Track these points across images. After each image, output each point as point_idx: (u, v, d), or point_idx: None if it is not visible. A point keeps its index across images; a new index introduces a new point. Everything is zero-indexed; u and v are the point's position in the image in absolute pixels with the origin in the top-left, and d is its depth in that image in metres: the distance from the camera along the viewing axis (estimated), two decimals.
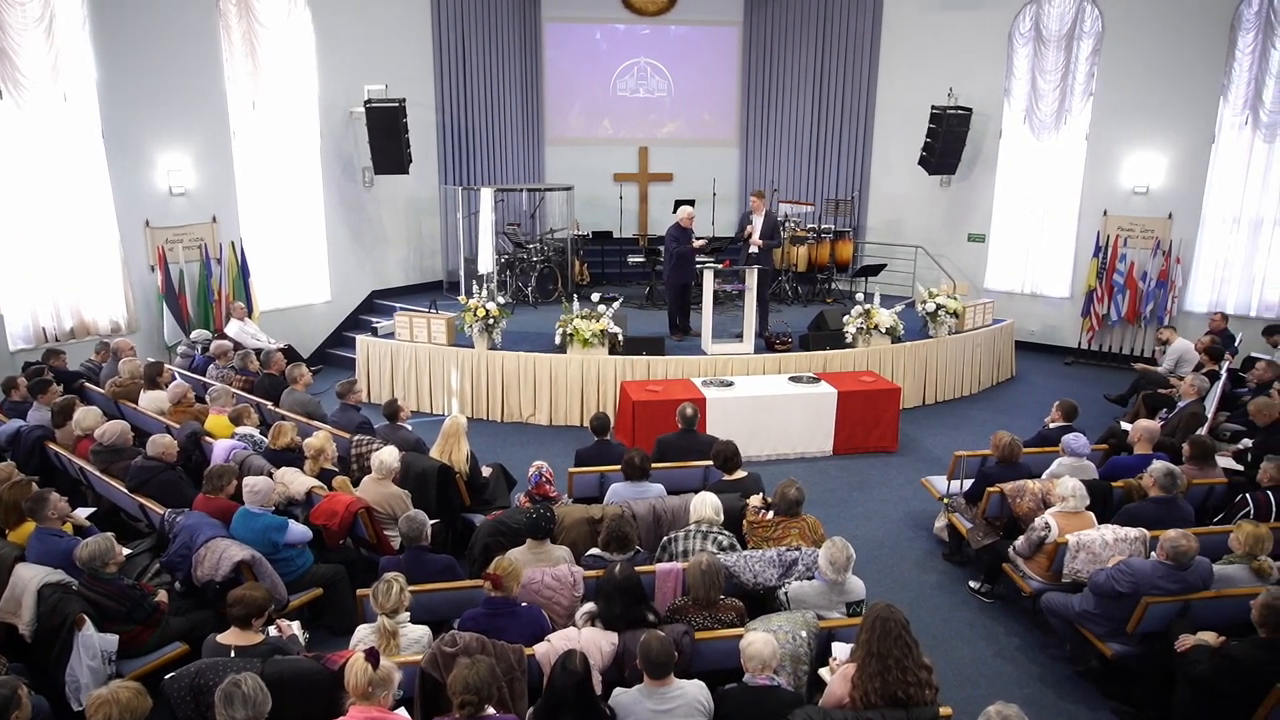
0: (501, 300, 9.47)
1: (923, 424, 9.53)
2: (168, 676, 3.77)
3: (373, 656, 3.39)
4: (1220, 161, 11.03)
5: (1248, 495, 5.63)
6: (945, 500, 6.72)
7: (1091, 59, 11.57)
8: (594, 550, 4.92)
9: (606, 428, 6.53)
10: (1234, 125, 10.87)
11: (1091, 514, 5.45)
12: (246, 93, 10.46)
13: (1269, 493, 5.56)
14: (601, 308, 9.25)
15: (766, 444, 8.47)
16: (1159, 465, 5.57)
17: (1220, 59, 10.74)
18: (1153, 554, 4.87)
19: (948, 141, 12.15)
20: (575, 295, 10.09)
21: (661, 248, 11.93)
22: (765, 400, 8.44)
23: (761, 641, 3.71)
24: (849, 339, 9.66)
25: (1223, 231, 11.21)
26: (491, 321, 9.24)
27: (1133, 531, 5.18)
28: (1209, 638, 4.34)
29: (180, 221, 10.01)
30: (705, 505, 5.13)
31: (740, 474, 5.94)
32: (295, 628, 4.45)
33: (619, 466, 5.92)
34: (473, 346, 9.44)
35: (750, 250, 10.00)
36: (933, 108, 12.07)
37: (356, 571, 5.60)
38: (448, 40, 12.50)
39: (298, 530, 5.32)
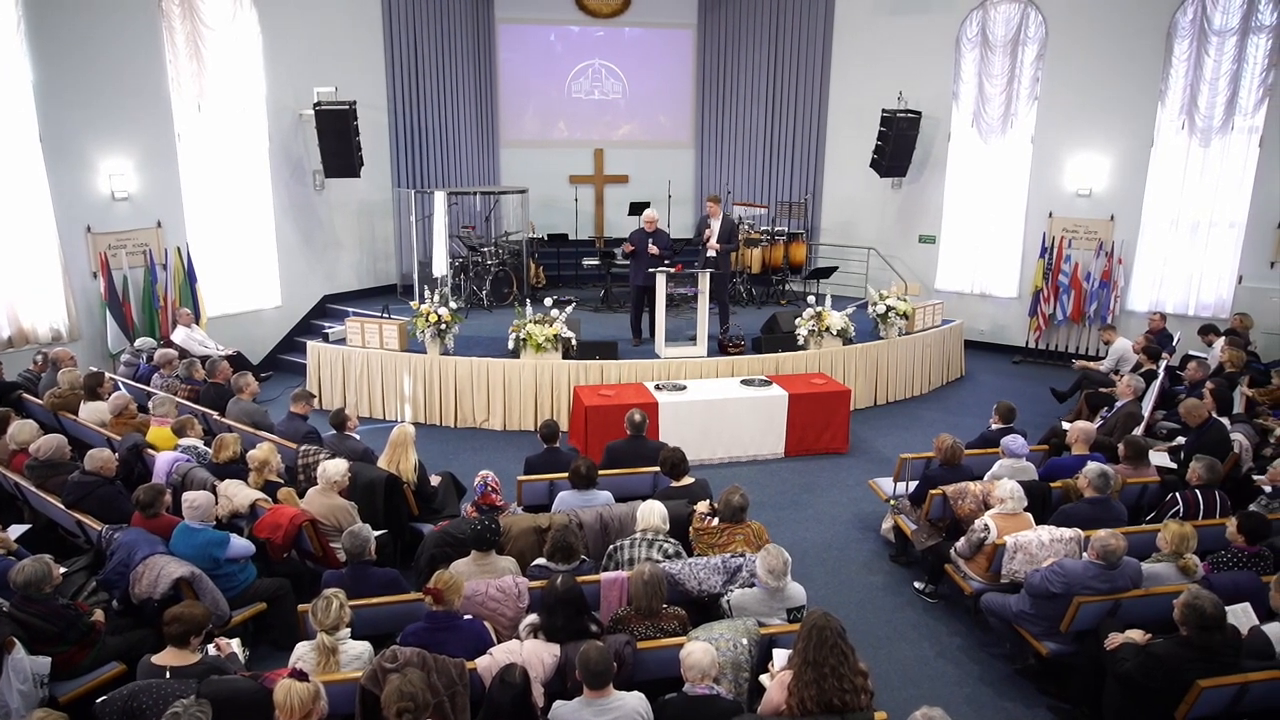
0: (455, 304, 9.42)
1: (874, 425, 9.67)
2: (99, 700, 3.70)
3: (302, 676, 3.37)
4: (1159, 165, 11.34)
5: (1178, 494, 5.81)
6: (891, 502, 6.83)
7: (1036, 64, 11.82)
8: (539, 560, 4.93)
9: (555, 435, 6.53)
10: (1171, 129, 11.18)
11: (1029, 515, 5.58)
12: (191, 95, 10.27)
13: (1197, 492, 5.75)
14: (555, 312, 9.25)
15: (719, 447, 8.54)
16: (1093, 467, 5.72)
17: (1158, 65, 11.04)
18: (1084, 554, 5.00)
19: (898, 144, 12.34)
20: (530, 298, 10.08)
21: (617, 250, 11.98)
22: (717, 403, 8.51)
23: (700, 651, 3.75)
24: (801, 341, 9.76)
25: (1162, 233, 11.52)
26: (443, 327, 9.18)
27: (1068, 532, 5.32)
28: (1136, 635, 4.48)
29: (123, 227, 9.79)
30: (652, 514, 5.15)
31: (688, 480, 5.99)
32: (235, 645, 4.40)
33: (568, 474, 5.93)
34: (425, 352, 9.38)
35: (708, 254, 10.04)
36: (883, 111, 12.24)
37: (302, 585, 5.53)
38: (399, 42, 12.38)
39: (239, 545, 5.25)
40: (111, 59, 9.43)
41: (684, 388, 8.71)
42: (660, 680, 4.14)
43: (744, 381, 8.92)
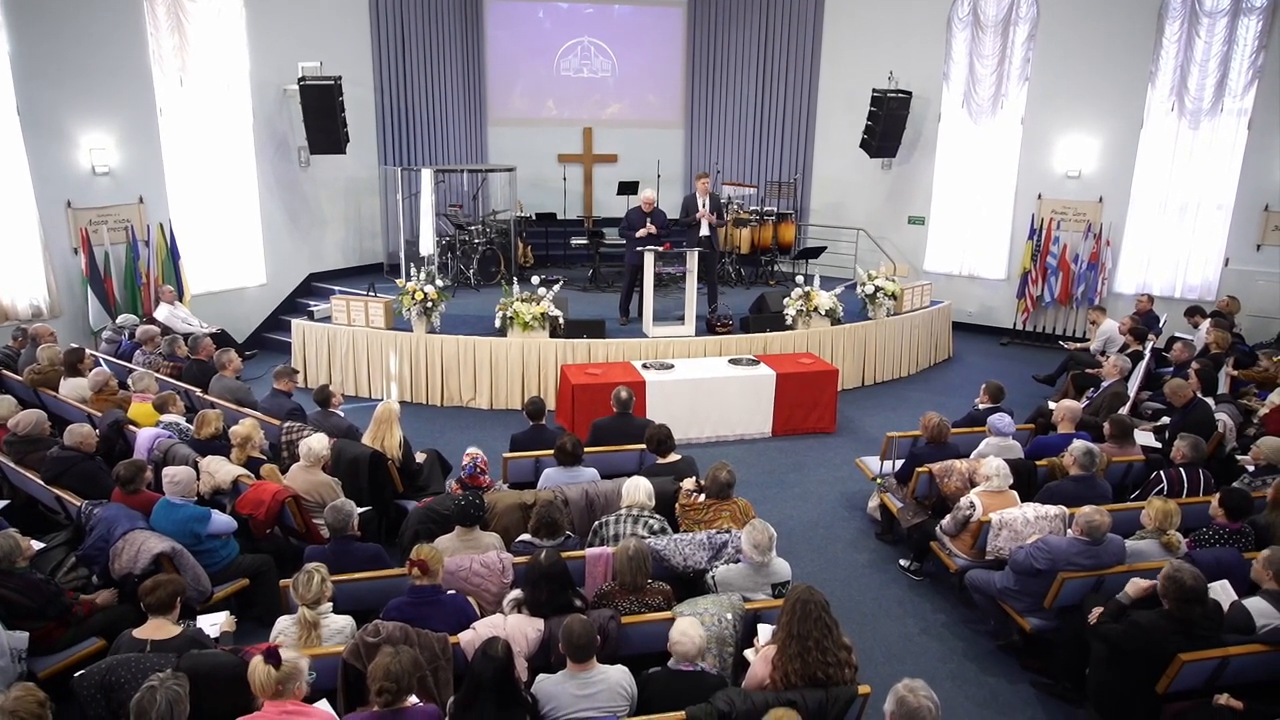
0: (442, 283, 9.35)
1: (861, 405, 9.67)
2: (77, 675, 3.66)
3: (273, 657, 3.33)
4: (1148, 147, 11.33)
5: (1162, 472, 5.83)
6: (877, 480, 6.84)
7: (1027, 44, 11.76)
8: (524, 536, 4.91)
9: (541, 412, 6.50)
10: (1161, 111, 11.17)
11: (1014, 493, 5.59)
12: (173, 69, 10.10)
13: (1181, 470, 5.77)
14: (542, 290, 9.19)
15: (706, 426, 8.53)
16: (1078, 444, 5.73)
17: (1148, 47, 11.01)
18: (1069, 531, 5.02)
19: (888, 124, 12.28)
20: (517, 278, 10.01)
21: (605, 230, 11.91)
22: (705, 383, 8.48)
23: (688, 640, 3.68)
24: (789, 321, 9.74)
25: (1150, 215, 11.53)
26: (430, 305, 9.11)
27: (1053, 509, 5.33)
28: (1133, 588, 4.46)
29: (104, 202, 9.66)
30: (637, 490, 5.14)
31: (674, 457, 5.97)
32: (224, 618, 4.38)
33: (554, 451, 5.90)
34: (411, 330, 9.31)
35: (703, 233, 9.96)
36: (874, 91, 12.17)
37: (286, 561, 5.49)
38: (386, 17, 12.21)
39: (221, 521, 5.20)
40: (91, 32, 9.25)
41: (671, 367, 8.68)
42: (644, 655, 4.14)
43: (732, 361, 8.90)
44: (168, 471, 5.14)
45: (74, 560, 5.00)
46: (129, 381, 7.05)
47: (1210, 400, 7.20)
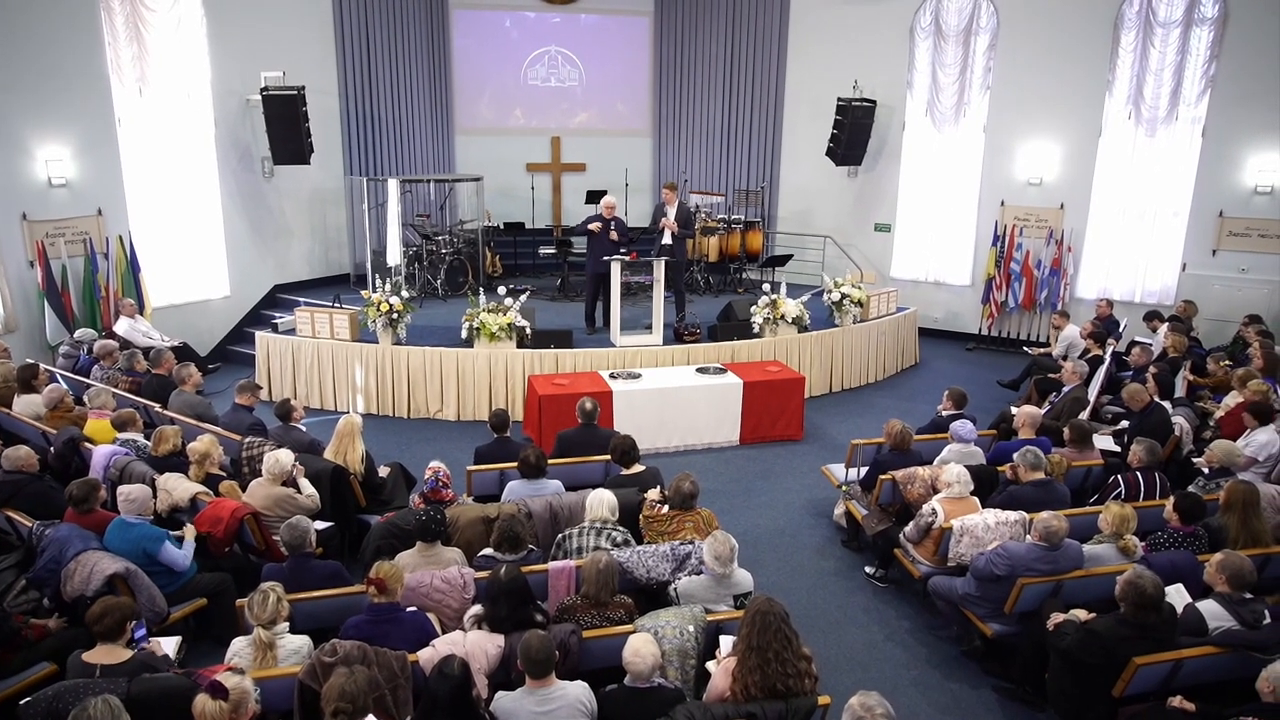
0: (408, 294, 9.28)
1: (829, 412, 9.72)
2: (23, 702, 3.57)
3: (219, 691, 3.26)
4: (1107, 154, 11.52)
5: (1119, 476, 5.91)
6: (843, 488, 6.87)
7: (988, 54, 11.94)
8: (486, 551, 4.87)
9: (506, 424, 6.47)
10: (1119, 119, 11.37)
11: (976, 499, 5.64)
12: (132, 79, 9.95)
13: (1138, 474, 5.86)
14: (509, 301, 9.15)
15: (674, 435, 8.53)
16: (1023, 449, 5.80)
17: (1105, 56, 11.21)
18: (1028, 536, 5.07)
19: (853, 133, 12.40)
20: (485, 288, 9.96)
21: (574, 239, 11.89)
22: (672, 392, 8.49)
23: (641, 660, 3.66)
24: (756, 329, 9.77)
25: (1110, 221, 11.72)
26: (395, 316, 9.04)
27: (1013, 515, 5.38)
28: (1079, 614, 4.55)
29: (62, 214, 9.48)
30: (601, 503, 5.13)
31: (638, 468, 5.96)
32: (167, 645, 4.29)
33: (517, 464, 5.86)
34: (377, 342, 9.23)
35: (664, 242, 9.99)
36: (839, 99, 12.28)
37: (245, 579, 5.40)
38: (350, 26, 12.13)
39: (177, 555, 5.07)
40: (46, 41, 9.10)
41: (639, 376, 8.67)
42: (608, 669, 4.11)
43: (699, 369, 8.91)
44: (122, 490, 5.05)
45: (24, 583, 4.88)
46: (85, 397, 6.92)
47: (1167, 404, 7.32)
